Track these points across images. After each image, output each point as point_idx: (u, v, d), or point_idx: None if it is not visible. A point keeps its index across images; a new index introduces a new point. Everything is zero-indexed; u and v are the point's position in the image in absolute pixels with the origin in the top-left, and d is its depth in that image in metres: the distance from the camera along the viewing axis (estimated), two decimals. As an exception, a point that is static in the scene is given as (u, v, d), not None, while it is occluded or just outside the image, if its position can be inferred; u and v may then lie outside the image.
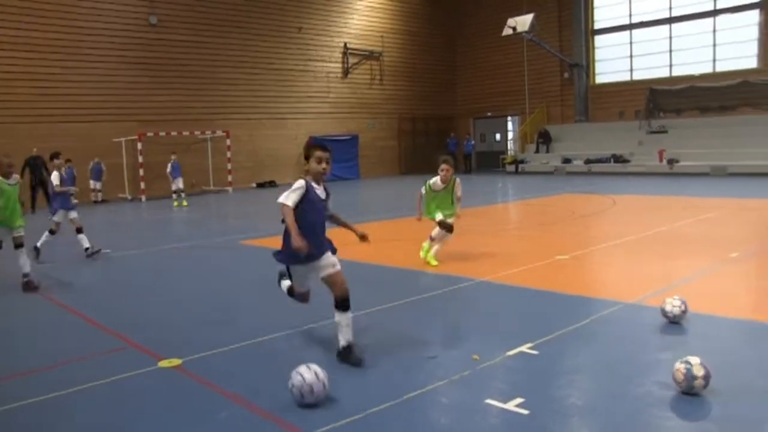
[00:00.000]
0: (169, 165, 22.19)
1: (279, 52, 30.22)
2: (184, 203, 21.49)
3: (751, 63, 28.10)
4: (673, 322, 5.97)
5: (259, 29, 29.47)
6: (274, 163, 29.62)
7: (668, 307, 5.99)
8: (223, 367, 5.36)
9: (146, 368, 5.34)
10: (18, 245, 8.95)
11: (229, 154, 27.20)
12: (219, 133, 27.24)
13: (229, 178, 27.26)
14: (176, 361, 5.45)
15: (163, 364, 5.41)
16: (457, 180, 9.25)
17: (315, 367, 4.47)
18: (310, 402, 4.37)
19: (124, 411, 4.56)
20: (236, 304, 7.67)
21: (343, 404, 4.45)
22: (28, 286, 8.75)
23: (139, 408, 4.60)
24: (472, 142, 35.90)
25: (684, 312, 5.95)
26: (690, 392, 4.30)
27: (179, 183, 21.99)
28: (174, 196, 22.07)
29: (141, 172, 24.63)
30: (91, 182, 23.62)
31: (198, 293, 8.44)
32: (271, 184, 29.12)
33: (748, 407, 4.16)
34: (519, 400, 4.33)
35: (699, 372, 4.26)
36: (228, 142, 27.17)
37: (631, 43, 32.07)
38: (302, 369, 4.45)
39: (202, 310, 7.42)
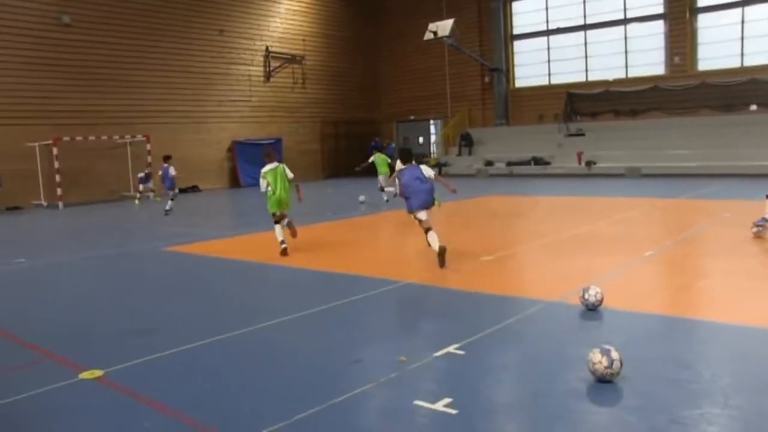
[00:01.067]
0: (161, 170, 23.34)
1: (200, 54, 29.69)
2: (157, 198, 24.02)
3: (660, 69, 29.28)
4: (591, 309, 6.32)
5: (180, 31, 28.88)
6: (196, 167, 29.03)
7: (587, 295, 6.41)
8: (148, 377, 5.24)
9: (66, 381, 5.16)
10: None
11: (150, 159, 26.52)
12: (139, 137, 26.54)
13: (151, 184, 26.57)
14: (98, 372, 5.29)
15: (84, 375, 5.25)
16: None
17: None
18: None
19: (43, 426, 4.41)
20: (161, 312, 7.50)
21: (271, 410, 4.41)
22: None
23: (59, 422, 4.45)
24: (393, 145, 36.10)
25: (601, 300, 6.30)
26: (605, 378, 4.53)
27: (151, 184, 24.65)
28: (152, 195, 24.67)
29: (57, 177, 23.77)
30: None
31: (120, 302, 8.22)
32: (194, 189, 28.57)
33: (662, 397, 4.33)
34: (447, 400, 4.38)
35: (616, 356, 4.54)
36: (148, 146, 26.49)
37: (548, 48, 32.88)
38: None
39: (126, 319, 7.23)
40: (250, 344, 6.01)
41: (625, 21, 30.22)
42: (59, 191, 23.79)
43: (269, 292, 8.51)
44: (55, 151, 23.67)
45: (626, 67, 30.30)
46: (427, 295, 7.76)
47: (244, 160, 30.71)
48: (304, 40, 34.43)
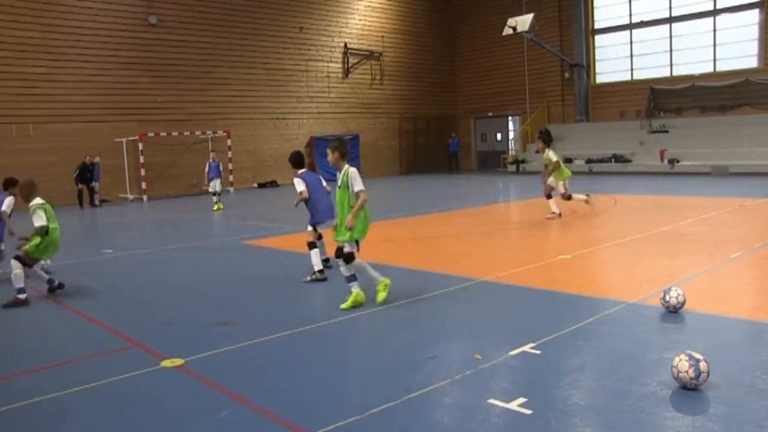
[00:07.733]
0: (207, 165, 20.18)
1: (279, 52, 30.20)
2: (219, 206, 19.49)
3: (752, 62, 28.06)
4: (672, 312, 6.17)
5: (260, 29, 29.46)
6: (275, 163, 29.56)
7: (668, 297, 6.25)
8: (226, 367, 5.36)
9: (149, 368, 5.34)
10: None
11: (230, 154, 27.17)
12: (220, 133, 27.23)
13: (231, 178, 27.22)
14: (179, 361, 5.45)
15: (166, 363, 5.42)
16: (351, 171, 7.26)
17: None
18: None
19: (125, 411, 4.56)
20: (239, 305, 7.67)
21: (345, 404, 4.45)
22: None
23: (140, 407, 4.60)
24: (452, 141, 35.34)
25: (683, 303, 6.18)
26: (688, 387, 4.38)
27: (216, 185, 19.65)
28: (214, 198, 19.74)
29: (142, 172, 24.65)
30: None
31: (201, 293, 8.44)
32: (273, 184, 29.08)
33: (750, 408, 4.16)
34: (522, 400, 4.33)
35: (704, 368, 4.36)
36: (229, 142, 27.15)
37: (631, 42, 32.01)
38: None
39: (206, 311, 7.42)
40: (326, 338, 6.08)
41: (714, 12, 29.09)
42: (144, 185, 24.66)
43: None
44: (140, 146, 24.55)
45: (714, 60, 29.20)
46: (503, 293, 7.68)
47: (323, 155, 31.06)
48: (382, 36, 34.57)
